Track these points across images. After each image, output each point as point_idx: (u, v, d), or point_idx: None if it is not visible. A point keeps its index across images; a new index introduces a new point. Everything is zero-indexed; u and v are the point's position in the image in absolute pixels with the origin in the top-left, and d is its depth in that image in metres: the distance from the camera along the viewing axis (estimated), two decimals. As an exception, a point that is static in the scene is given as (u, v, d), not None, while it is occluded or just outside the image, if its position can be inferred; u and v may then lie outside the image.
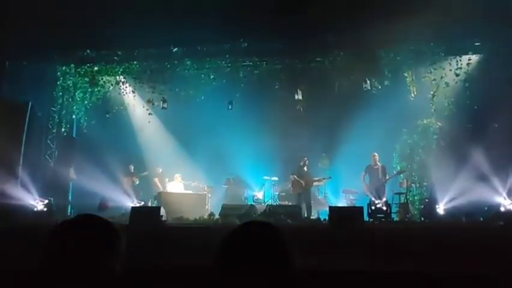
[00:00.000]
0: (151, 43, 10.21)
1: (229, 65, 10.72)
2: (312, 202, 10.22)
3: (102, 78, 11.40)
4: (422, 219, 8.72)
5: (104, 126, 11.16)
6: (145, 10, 8.27)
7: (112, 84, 11.50)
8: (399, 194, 9.62)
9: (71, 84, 11.38)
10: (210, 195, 11.03)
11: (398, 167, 10.17)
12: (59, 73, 11.28)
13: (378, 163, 9.85)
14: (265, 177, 11.61)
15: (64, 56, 10.97)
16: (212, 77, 10.90)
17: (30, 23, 8.28)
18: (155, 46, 10.51)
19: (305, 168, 10.34)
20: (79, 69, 11.34)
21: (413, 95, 10.15)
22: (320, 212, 9.65)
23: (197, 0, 8.23)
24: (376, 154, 9.89)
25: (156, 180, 11.33)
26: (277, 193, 11.50)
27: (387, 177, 9.70)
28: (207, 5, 8.15)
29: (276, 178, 11.62)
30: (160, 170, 11.53)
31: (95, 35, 9.42)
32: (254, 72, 10.75)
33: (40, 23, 8.37)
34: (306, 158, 10.39)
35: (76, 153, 10.83)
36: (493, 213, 7.81)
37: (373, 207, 8.90)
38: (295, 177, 10.30)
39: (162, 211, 7.53)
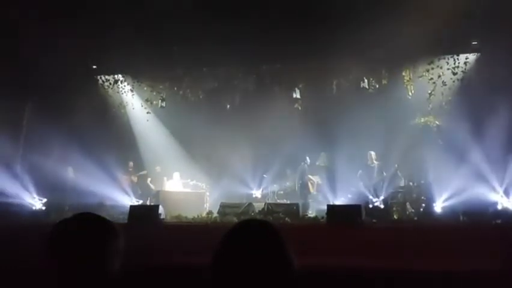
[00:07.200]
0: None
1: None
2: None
3: (101, 77, 11.38)
4: (420, 217, 8.72)
5: (102, 125, 11.13)
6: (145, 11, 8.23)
7: (110, 83, 11.48)
8: (397, 192, 9.62)
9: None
10: (208, 193, 11.03)
11: (396, 165, 10.17)
12: None
13: (374, 161, 9.88)
14: (265, 176, 11.60)
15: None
16: (211, 76, 10.90)
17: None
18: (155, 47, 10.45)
19: None
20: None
21: (410, 93, 10.16)
22: (317, 210, 9.66)
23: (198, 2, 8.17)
24: (372, 152, 9.94)
25: (149, 181, 11.32)
26: (275, 191, 11.49)
27: (383, 176, 9.73)
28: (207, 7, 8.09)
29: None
30: (159, 169, 11.50)
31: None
32: (253, 72, 10.74)
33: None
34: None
35: (74, 152, 10.80)
36: (491, 211, 7.83)
37: (371, 206, 8.90)
38: (310, 176, 10.48)
39: (161, 209, 7.54)
